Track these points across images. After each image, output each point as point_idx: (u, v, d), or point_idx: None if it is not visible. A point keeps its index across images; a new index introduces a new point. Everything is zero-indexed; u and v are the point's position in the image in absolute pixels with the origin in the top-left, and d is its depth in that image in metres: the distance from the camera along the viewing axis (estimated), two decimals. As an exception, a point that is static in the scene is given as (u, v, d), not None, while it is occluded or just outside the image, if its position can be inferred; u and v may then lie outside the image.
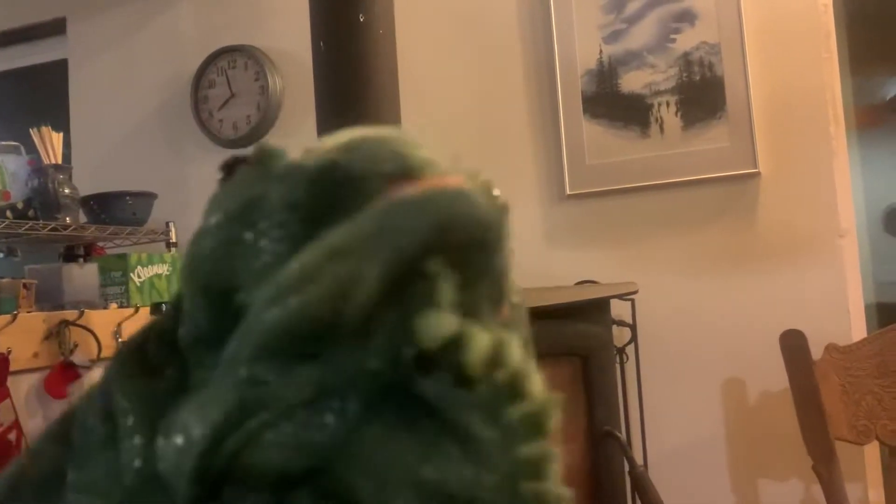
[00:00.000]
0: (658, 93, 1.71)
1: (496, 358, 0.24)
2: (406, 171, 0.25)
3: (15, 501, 0.29)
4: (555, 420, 0.24)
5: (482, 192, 0.25)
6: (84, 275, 1.75)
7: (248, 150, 0.27)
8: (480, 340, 0.24)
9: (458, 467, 0.23)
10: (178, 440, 0.24)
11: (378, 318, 0.23)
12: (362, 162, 0.25)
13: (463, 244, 0.24)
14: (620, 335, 1.65)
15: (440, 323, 0.24)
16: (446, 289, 0.24)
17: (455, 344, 0.23)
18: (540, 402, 0.24)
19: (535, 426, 0.24)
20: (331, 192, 0.25)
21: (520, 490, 0.23)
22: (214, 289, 0.26)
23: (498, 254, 0.26)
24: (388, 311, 0.23)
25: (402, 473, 0.23)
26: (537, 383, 0.24)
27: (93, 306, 1.70)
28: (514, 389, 0.23)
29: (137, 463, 0.26)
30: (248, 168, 0.27)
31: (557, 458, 0.24)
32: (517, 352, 0.24)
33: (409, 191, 0.24)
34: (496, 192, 0.26)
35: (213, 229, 0.26)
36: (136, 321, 1.66)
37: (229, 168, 0.28)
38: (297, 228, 0.25)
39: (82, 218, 1.83)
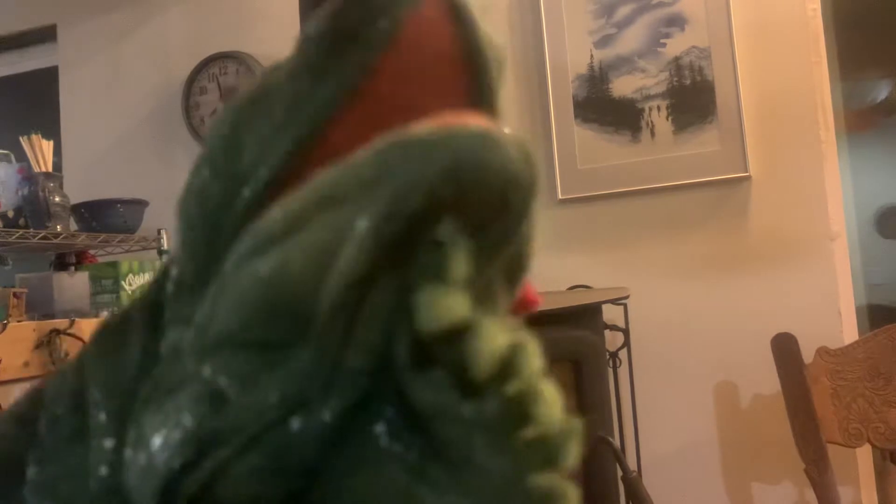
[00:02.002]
0: (649, 97, 1.72)
1: (509, 363, 0.19)
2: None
3: None
4: (573, 451, 0.19)
5: (512, 140, 0.20)
6: (75, 283, 1.74)
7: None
8: (494, 336, 0.19)
9: (448, 501, 0.19)
10: (142, 458, 0.20)
11: (367, 297, 0.19)
12: None
13: (483, 202, 0.19)
14: (613, 340, 1.65)
15: (448, 303, 0.18)
16: (459, 260, 0.19)
17: (462, 336, 0.18)
18: (556, 427, 0.19)
19: (547, 457, 0.18)
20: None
21: None
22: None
23: (523, 221, 0.20)
24: (380, 288, 0.19)
25: None
26: (555, 403, 0.19)
27: (84, 315, 1.69)
28: (526, 407, 0.18)
29: (104, 470, 0.22)
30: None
31: (576, 498, 0.19)
32: (535, 359, 0.19)
33: (418, 127, 0.19)
34: (527, 146, 0.20)
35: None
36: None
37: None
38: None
39: (73, 226, 1.83)
